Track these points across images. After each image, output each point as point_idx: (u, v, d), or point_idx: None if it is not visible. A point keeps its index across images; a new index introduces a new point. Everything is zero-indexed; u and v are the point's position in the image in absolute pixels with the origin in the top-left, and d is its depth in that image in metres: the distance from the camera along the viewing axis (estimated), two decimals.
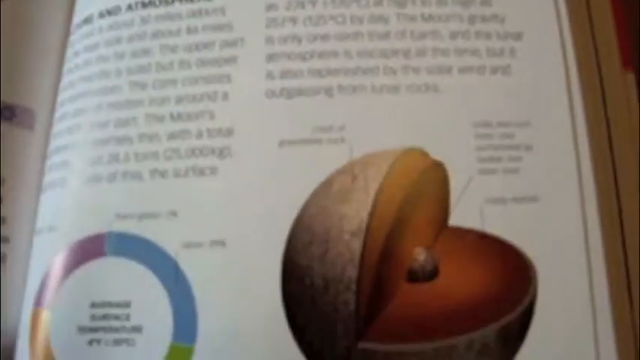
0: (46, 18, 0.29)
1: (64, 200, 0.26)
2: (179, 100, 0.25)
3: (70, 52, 0.28)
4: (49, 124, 0.28)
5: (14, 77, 0.28)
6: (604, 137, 0.26)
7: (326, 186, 0.24)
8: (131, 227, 0.24)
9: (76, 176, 0.26)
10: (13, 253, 0.26)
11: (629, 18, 0.32)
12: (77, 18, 0.29)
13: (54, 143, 0.27)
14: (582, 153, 0.25)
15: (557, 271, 0.24)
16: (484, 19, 0.26)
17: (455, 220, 0.24)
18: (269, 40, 0.26)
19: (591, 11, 0.27)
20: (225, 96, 0.25)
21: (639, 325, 0.25)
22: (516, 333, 0.24)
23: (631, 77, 0.28)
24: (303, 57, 0.25)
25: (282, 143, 0.24)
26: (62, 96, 0.27)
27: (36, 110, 0.28)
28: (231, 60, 0.25)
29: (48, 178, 0.27)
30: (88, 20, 0.28)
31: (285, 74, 0.25)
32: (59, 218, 0.25)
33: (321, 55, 0.26)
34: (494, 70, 0.25)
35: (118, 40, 0.27)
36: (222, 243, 0.24)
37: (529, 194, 0.24)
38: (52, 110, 0.28)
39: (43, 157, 0.27)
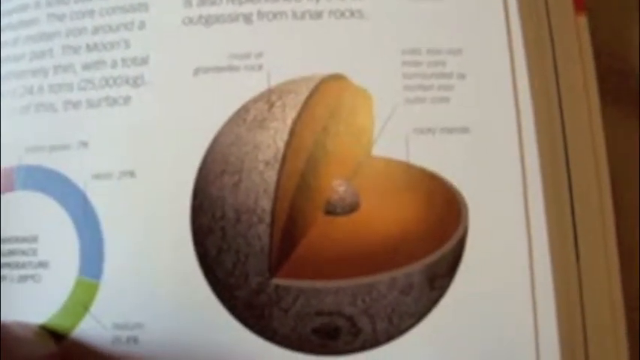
0: None
1: None
2: (96, 30, 0.24)
3: None
4: None
5: None
6: (549, 73, 0.25)
7: (241, 114, 0.23)
8: (42, 160, 0.23)
9: None
10: None
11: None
12: None
13: None
14: (520, 86, 0.23)
15: (490, 207, 0.22)
16: None
17: (379, 150, 0.23)
18: None
19: None
20: (142, 24, 0.24)
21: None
22: (444, 272, 0.22)
23: (583, 21, 0.27)
24: None
25: (197, 71, 0.23)
26: None
27: None
28: None
29: None
30: None
31: (202, 1, 0.24)
32: None
33: None
34: None
35: None
36: (131, 173, 0.23)
37: (460, 125, 0.23)
38: None
39: None
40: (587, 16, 0.27)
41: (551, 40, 0.25)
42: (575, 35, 0.26)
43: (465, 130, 0.23)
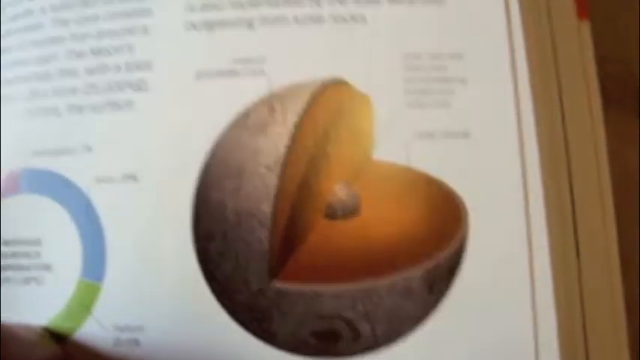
0: None
1: None
2: (100, 35, 0.24)
3: None
4: None
5: None
6: (551, 79, 0.25)
7: (242, 118, 0.23)
8: (46, 163, 0.24)
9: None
10: None
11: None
12: None
13: None
14: (522, 90, 0.23)
15: (491, 211, 0.22)
16: None
17: (380, 154, 0.23)
18: None
19: None
20: (146, 29, 0.24)
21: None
22: (444, 276, 0.22)
23: (585, 26, 0.27)
24: None
25: (199, 75, 0.23)
26: None
27: None
28: None
29: None
30: None
31: (205, 6, 0.24)
32: None
33: None
34: (427, 1, 0.24)
35: None
36: (133, 177, 0.23)
37: (461, 129, 0.23)
38: None
39: None
40: (589, 22, 0.27)
41: (553, 44, 0.25)
42: (578, 40, 0.26)
43: (465, 134, 0.23)
